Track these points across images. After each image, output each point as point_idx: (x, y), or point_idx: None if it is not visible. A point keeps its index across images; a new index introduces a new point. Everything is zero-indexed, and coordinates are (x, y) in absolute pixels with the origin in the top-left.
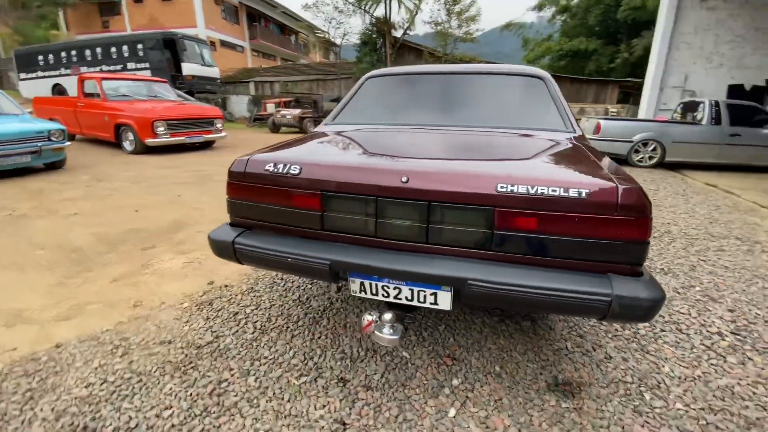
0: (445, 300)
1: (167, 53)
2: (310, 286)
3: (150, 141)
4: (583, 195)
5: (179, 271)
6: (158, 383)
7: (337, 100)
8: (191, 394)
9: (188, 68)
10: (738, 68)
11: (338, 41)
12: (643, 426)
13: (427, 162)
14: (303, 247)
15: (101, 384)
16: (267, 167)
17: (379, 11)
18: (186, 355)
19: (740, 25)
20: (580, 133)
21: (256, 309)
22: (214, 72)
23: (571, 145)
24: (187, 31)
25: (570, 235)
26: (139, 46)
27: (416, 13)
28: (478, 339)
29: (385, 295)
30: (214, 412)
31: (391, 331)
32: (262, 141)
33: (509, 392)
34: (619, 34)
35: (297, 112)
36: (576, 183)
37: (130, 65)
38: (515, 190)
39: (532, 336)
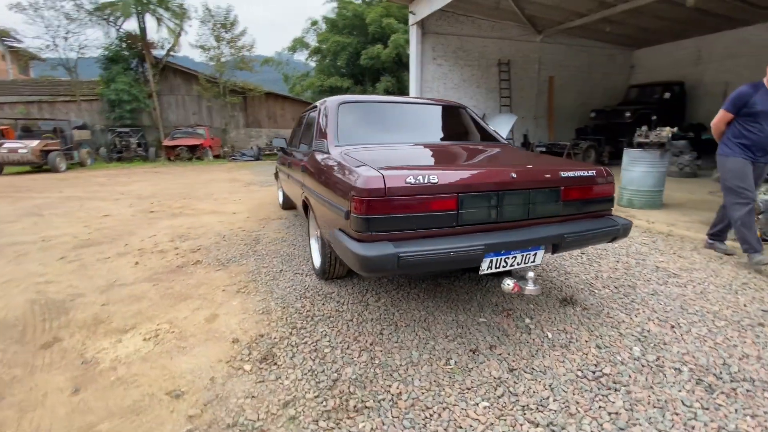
0: (540, 256)
1: None
2: (338, 307)
3: None
4: (593, 173)
5: (160, 351)
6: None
7: (83, 127)
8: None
9: None
10: None
11: (72, 55)
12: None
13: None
14: (454, 241)
15: None
16: (408, 180)
17: (131, 25)
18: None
19: (456, 77)
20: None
21: (325, 337)
22: None
23: (522, 149)
24: None
25: (589, 196)
26: None
27: (179, 33)
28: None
29: (505, 265)
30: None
31: (534, 285)
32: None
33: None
34: (362, 77)
35: (35, 144)
36: (589, 168)
37: None
38: (570, 175)
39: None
